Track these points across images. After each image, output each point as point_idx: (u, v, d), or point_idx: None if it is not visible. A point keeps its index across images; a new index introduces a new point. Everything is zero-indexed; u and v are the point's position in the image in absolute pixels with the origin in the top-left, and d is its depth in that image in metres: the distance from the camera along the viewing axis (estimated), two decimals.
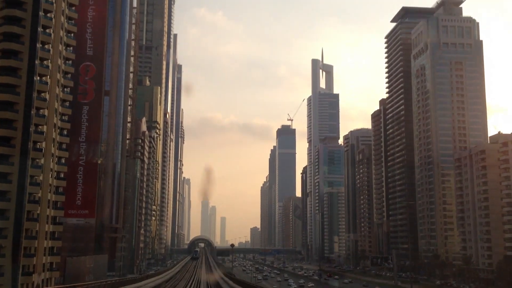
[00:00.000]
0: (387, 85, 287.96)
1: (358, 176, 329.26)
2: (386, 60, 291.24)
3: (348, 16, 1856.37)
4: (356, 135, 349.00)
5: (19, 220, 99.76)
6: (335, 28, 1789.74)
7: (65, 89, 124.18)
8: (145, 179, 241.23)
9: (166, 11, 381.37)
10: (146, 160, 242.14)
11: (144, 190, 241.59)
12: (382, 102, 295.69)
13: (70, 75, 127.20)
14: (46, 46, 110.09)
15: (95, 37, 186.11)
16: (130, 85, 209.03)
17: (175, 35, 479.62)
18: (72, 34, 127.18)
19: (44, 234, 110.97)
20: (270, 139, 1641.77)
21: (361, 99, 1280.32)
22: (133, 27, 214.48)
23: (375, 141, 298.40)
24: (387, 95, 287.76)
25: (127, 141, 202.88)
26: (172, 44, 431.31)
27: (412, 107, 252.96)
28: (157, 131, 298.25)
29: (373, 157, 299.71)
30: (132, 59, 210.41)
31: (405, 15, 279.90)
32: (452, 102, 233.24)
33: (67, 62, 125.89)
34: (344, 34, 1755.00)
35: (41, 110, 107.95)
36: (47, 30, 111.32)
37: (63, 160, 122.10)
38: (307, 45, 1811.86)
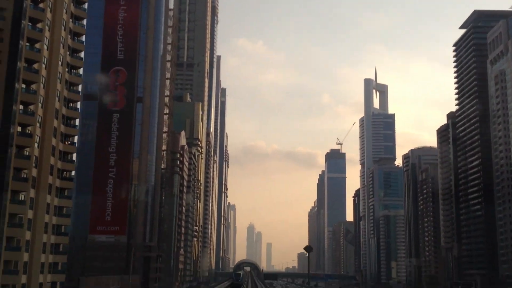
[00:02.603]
0: (456, 96, 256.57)
1: (421, 197, 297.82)
2: (456, 69, 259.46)
3: (394, 43, 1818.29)
4: (417, 154, 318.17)
5: None
6: (381, 54, 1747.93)
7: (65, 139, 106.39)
8: (184, 197, 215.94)
9: (208, 27, 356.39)
10: (185, 176, 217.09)
11: (184, 209, 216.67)
12: (451, 115, 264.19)
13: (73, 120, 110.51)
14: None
15: (127, 40, 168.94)
16: (167, 92, 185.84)
17: (219, 57, 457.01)
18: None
19: (41, 246, 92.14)
20: (315, 167, 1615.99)
21: (409, 126, 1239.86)
22: (170, 30, 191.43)
23: (442, 158, 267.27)
24: (457, 107, 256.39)
25: (164, 153, 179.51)
26: (215, 64, 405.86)
27: (489, 117, 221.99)
28: (199, 148, 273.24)
29: (440, 175, 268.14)
30: (168, 64, 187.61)
31: (477, 20, 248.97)
32: None
33: (69, 104, 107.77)
34: (390, 60, 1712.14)
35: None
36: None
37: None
38: (350, 73, 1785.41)
